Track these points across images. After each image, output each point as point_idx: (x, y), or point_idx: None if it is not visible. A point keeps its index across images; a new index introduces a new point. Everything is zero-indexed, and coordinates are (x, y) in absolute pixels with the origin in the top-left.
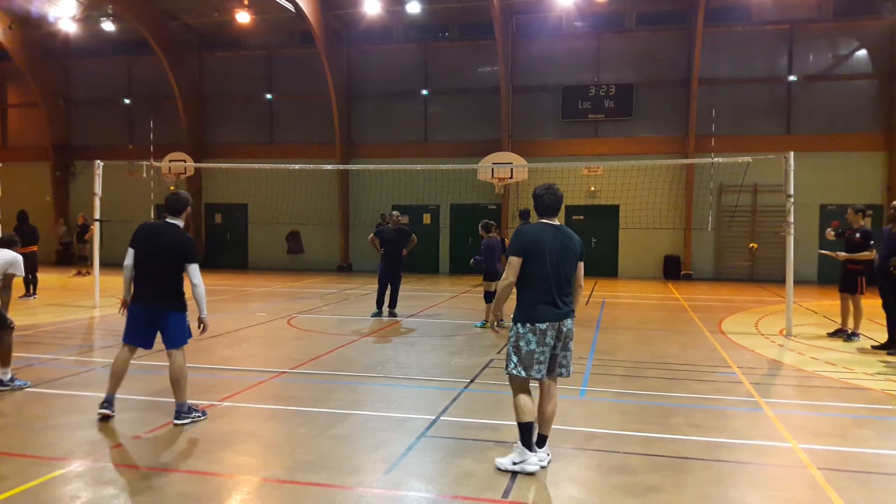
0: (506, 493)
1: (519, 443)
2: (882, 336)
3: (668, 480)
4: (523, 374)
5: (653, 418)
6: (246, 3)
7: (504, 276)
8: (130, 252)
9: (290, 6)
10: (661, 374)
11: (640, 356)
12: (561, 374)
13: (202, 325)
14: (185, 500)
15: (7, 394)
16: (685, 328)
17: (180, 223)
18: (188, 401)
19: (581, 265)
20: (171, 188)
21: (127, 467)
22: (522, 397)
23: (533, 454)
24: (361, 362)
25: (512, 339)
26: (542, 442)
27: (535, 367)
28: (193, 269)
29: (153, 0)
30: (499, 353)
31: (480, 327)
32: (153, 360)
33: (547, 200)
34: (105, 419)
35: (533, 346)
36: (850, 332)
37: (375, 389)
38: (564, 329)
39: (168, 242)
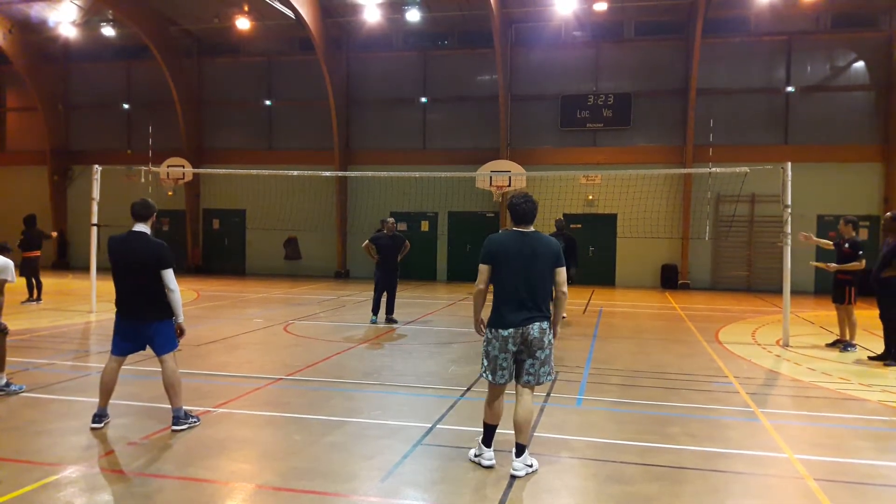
0: (501, 503)
1: (479, 439)
2: (879, 347)
3: (665, 490)
4: (490, 378)
5: (649, 428)
6: (246, 9)
7: (476, 283)
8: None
9: (289, 13)
10: (658, 383)
11: (637, 365)
12: (528, 382)
13: (179, 331)
14: None
15: (2, 398)
16: (682, 338)
17: (147, 230)
18: (184, 406)
19: (560, 271)
20: (169, 193)
21: (121, 473)
22: (489, 401)
23: (488, 450)
24: (358, 369)
25: (483, 344)
26: (518, 451)
27: (499, 372)
28: (167, 275)
29: (153, 5)
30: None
31: None
32: (148, 366)
33: (524, 209)
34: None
35: (496, 352)
36: (846, 342)
37: (372, 397)
38: (530, 336)
39: (139, 252)
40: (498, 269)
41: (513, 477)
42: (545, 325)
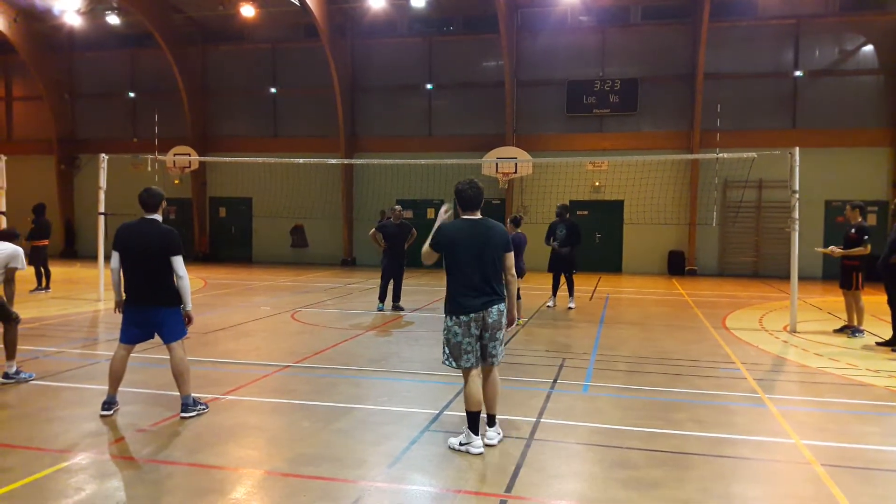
0: (508, 488)
1: (466, 426)
2: (887, 332)
3: (671, 475)
4: (454, 364)
5: (656, 414)
6: None
7: (424, 254)
8: (115, 255)
9: None
10: (665, 369)
11: (644, 351)
12: (493, 363)
13: (187, 318)
14: (188, 493)
15: (12, 386)
16: (689, 324)
17: (159, 217)
18: (192, 393)
19: (509, 256)
20: (176, 181)
21: (131, 460)
22: (469, 388)
23: (477, 437)
24: (365, 356)
25: (443, 332)
26: (490, 421)
27: (464, 356)
28: (177, 262)
29: None
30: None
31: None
32: (158, 354)
33: (469, 195)
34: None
35: (459, 338)
36: (853, 328)
37: (379, 383)
38: (489, 319)
39: (151, 239)
40: (451, 257)
41: (487, 446)
42: (502, 306)
